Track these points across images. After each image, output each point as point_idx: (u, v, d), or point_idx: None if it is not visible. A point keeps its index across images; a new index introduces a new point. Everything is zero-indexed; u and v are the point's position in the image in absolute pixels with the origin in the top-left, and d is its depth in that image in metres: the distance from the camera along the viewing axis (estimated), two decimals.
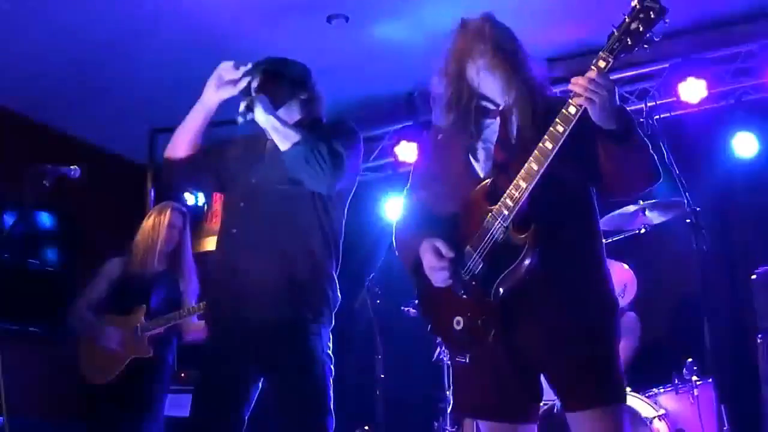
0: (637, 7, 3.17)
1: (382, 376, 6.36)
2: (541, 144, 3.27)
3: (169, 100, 8.72)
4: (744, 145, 7.88)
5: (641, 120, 7.18)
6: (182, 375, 6.96)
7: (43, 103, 8.42)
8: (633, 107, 8.24)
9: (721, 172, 7.97)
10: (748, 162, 7.88)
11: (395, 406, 7.05)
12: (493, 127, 3.60)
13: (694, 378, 6.24)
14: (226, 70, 4.36)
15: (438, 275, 3.48)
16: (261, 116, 4.18)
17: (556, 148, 3.23)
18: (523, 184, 3.29)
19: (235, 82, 4.32)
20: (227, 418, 4.29)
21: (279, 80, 4.51)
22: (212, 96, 4.41)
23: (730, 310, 7.64)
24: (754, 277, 6.73)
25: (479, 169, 3.56)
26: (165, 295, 6.51)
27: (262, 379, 4.39)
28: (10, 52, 7.82)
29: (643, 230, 6.56)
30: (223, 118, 5.21)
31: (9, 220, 8.09)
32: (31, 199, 5.61)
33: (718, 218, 7.75)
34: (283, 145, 4.16)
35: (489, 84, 3.58)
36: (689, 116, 8.18)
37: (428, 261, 3.50)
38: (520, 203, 3.31)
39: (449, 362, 6.76)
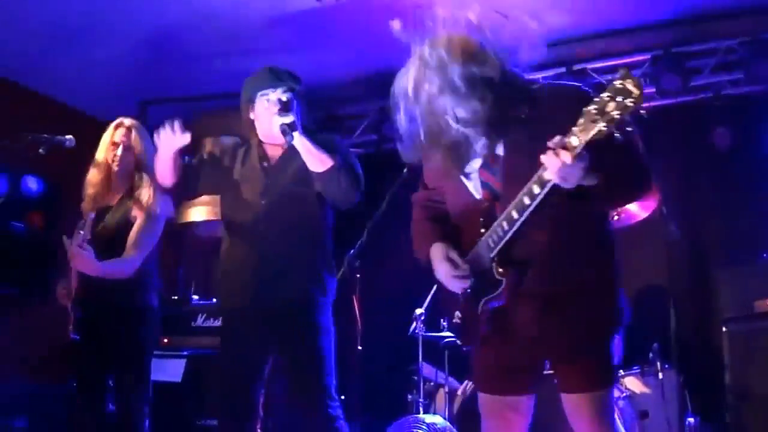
0: (617, 86, 2.95)
1: (360, 348, 6.49)
2: (518, 198, 3.36)
3: (159, 73, 8.89)
4: (720, 139, 7.99)
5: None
6: (165, 341, 7.04)
7: (36, 71, 8.47)
8: None
9: (694, 165, 8.15)
10: (721, 156, 8.00)
11: (371, 378, 7.20)
12: (478, 148, 3.48)
13: (659, 363, 6.37)
14: (165, 136, 4.74)
15: (455, 284, 3.71)
16: (299, 141, 4.68)
17: (533, 206, 3.32)
18: (506, 226, 3.45)
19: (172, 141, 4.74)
20: (248, 397, 4.81)
21: (300, 99, 4.92)
22: (165, 152, 4.80)
23: (697, 299, 7.79)
24: (719, 267, 6.95)
25: (473, 190, 3.66)
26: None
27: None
28: (5, 21, 7.85)
29: (616, 218, 6.57)
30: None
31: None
32: (23, 165, 5.74)
33: (688, 209, 7.92)
34: (318, 168, 4.68)
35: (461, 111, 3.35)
36: (667, 108, 8.32)
37: (445, 270, 3.70)
38: (504, 241, 3.49)
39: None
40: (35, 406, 7.32)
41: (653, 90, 8.18)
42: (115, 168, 5.69)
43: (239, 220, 4.96)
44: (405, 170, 6.20)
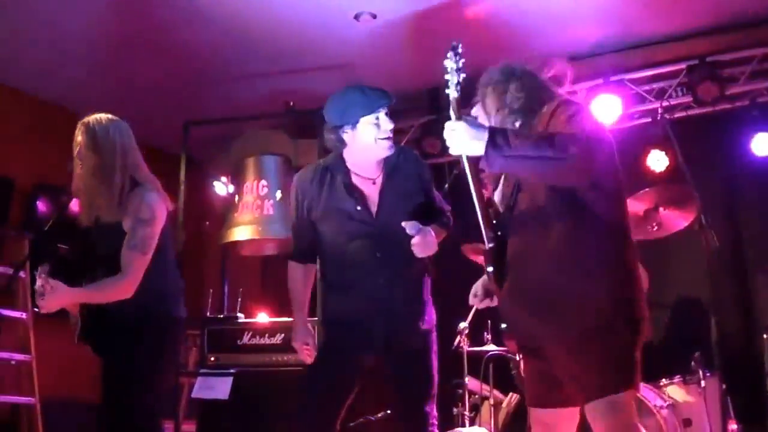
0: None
1: None
2: None
3: (201, 95, 9.01)
4: (758, 146, 8.02)
5: (657, 118, 7.43)
6: (212, 359, 7.13)
7: (81, 96, 8.58)
8: (650, 106, 8.47)
9: (733, 173, 8.17)
10: (760, 163, 8.01)
11: None
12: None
13: (701, 370, 6.37)
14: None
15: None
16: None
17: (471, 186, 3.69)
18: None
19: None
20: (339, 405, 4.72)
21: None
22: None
23: (738, 306, 7.79)
24: (760, 274, 6.94)
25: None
26: None
27: None
28: (49, 46, 8.03)
29: (656, 228, 6.52)
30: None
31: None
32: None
33: (728, 217, 7.93)
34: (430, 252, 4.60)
35: None
36: (705, 116, 8.35)
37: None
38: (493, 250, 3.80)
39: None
40: None
41: (690, 99, 8.22)
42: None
43: (345, 248, 4.77)
44: (446, 186, 6.31)
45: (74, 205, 4.96)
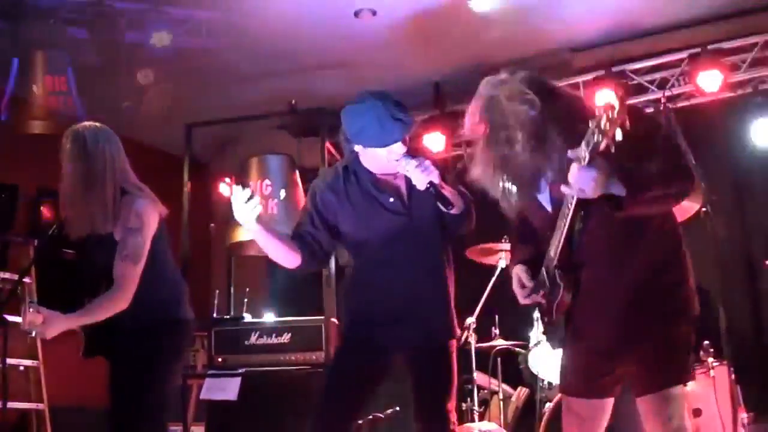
0: (606, 104, 3.24)
1: None
2: (561, 209, 3.68)
3: (203, 96, 9.01)
4: (761, 133, 8.02)
5: (659, 108, 7.41)
6: (219, 360, 7.13)
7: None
8: (652, 96, 8.45)
9: (737, 161, 8.15)
10: (764, 150, 8.00)
11: None
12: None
13: (711, 359, 6.34)
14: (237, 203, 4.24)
15: (520, 298, 4.11)
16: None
17: (569, 215, 3.63)
18: (559, 236, 3.75)
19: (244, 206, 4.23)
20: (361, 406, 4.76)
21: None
22: (250, 227, 4.36)
23: (747, 295, 7.79)
24: None
25: (545, 203, 3.91)
26: None
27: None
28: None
29: None
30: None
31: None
32: None
33: (735, 206, 7.93)
34: (456, 210, 4.45)
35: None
36: (708, 105, 8.34)
37: (515, 286, 4.13)
38: (558, 250, 3.78)
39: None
40: None
41: (692, 88, 8.21)
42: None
43: (372, 253, 4.73)
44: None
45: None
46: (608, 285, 3.75)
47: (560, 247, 3.74)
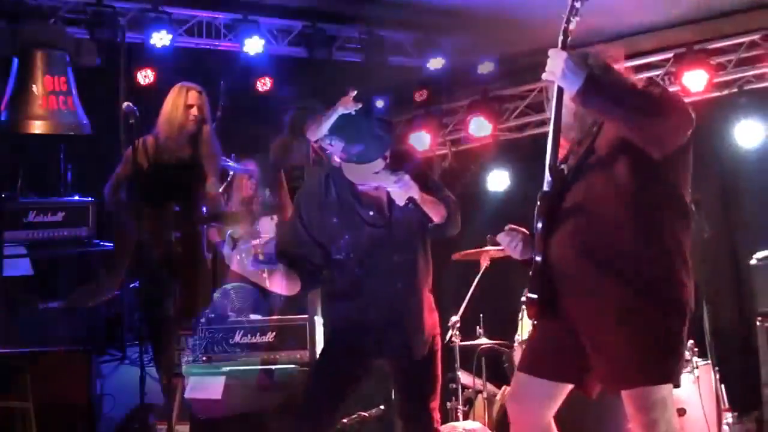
0: None
1: None
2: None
3: None
4: (746, 133, 8.04)
5: None
6: (204, 359, 7.09)
7: None
8: None
9: (723, 160, 8.16)
10: (749, 150, 8.02)
11: None
12: None
13: (695, 359, 6.35)
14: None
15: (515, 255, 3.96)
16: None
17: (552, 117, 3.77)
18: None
19: None
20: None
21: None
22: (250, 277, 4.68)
23: (731, 294, 7.82)
24: (753, 261, 6.93)
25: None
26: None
27: None
28: None
29: None
30: None
31: None
32: None
33: (719, 205, 7.93)
34: (439, 219, 4.50)
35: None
36: (693, 105, 8.32)
37: (505, 246, 3.99)
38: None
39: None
40: None
41: (678, 88, 8.20)
42: (190, 128, 6.58)
43: (356, 254, 4.72)
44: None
45: None
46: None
47: (552, 147, 3.72)
